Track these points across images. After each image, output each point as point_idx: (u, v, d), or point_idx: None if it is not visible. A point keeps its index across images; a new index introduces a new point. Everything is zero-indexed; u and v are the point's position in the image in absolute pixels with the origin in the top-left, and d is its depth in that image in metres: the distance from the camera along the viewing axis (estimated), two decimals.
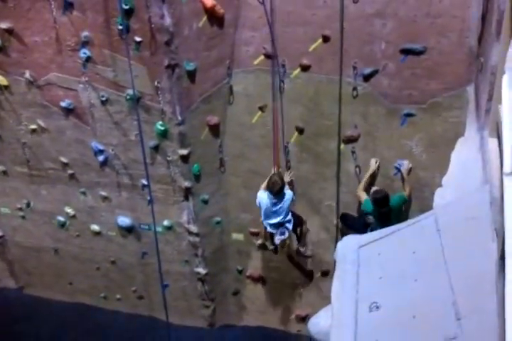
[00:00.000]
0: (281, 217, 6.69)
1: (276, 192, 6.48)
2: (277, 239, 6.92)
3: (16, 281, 9.75)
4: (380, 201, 6.15)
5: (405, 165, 6.38)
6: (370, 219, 6.38)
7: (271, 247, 7.29)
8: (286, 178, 6.94)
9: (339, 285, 4.03)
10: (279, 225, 6.78)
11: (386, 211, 6.14)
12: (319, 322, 4.18)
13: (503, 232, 2.58)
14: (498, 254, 3.05)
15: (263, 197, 6.67)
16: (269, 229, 6.92)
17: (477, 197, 3.80)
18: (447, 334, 3.07)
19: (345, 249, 4.30)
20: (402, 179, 6.46)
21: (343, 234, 6.60)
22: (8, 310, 9.37)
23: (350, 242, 4.36)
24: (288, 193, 6.65)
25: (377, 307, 3.58)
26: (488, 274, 3.12)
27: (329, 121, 6.61)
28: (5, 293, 9.73)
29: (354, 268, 4.06)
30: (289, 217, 6.77)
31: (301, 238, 7.45)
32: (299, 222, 7.18)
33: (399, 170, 6.46)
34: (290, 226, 6.86)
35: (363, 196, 6.45)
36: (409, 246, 3.97)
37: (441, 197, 4.28)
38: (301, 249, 7.58)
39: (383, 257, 4.04)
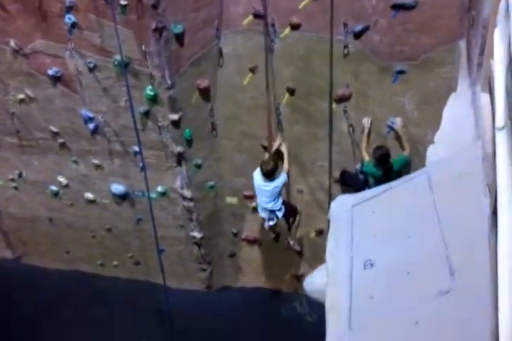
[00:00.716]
0: (272, 202, 6.69)
1: (266, 172, 6.48)
2: (266, 225, 7.04)
3: (13, 251, 9.81)
4: (382, 157, 6.10)
5: (398, 122, 6.32)
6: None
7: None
8: (276, 143, 6.94)
9: (333, 244, 4.07)
10: (270, 211, 6.83)
11: (388, 168, 6.09)
12: (314, 281, 4.24)
13: (495, 187, 2.58)
14: (490, 209, 3.07)
15: (256, 175, 6.71)
16: (260, 213, 6.96)
17: (469, 153, 3.81)
18: (441, 288, 3.12)
19: (338, 208, 4.33)
20: (399, 137, 6.38)
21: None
22: (6, 280, 9.42)
23: (343, 201, 4.39)
24: (281, 177, 6.64)
25: (372, 265, 3.63)
26: (481, 229, 3.15)
27: (320, 80, 6.51)
28: (2, 264, 9.77)
29: (348, 226, 4.10)
30: (280, 205, 6.80)
31: (291, 229, 7.55)
32: (292, 212, 7.23)
33: (392, 128, 6.42)
34: (280, 214, 6.90)
35: (366, 157, 6.42)
36: (403, 204, 4.01)
37: (433, 153, 4.28)
38: (291, 242, 7.68)
39: (377, 215, 4.08)
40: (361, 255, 3.77)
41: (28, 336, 8.58)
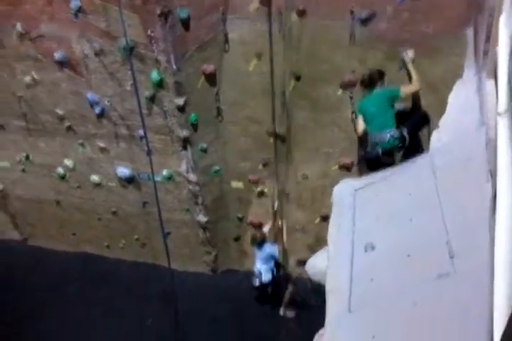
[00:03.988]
0: (263, 265, 7.64)
1: (255, 244, 7.61)
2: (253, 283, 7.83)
3: (20, 233, 9.94)
4: (370, 77, 6.04)
5: (410, 53, 6.01)
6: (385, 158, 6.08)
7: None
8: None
9: (335, 228, 4.12)
10: (259, 272, 7.71)
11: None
12: (316, 263, 4.30)
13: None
14: (491, 194, 3.11)
15: None
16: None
17: (473, 139, 3.84)
18: (440, 271, 3.18)
19: (341, 192, 4.38)
20: (408, 70, 6.09)
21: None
22: (14, 261, 9.57)
23: (346, 185, 4.44)
24: (270, 248, 7.56)
25: (373, 248, 3.69)
26: (482, 214, 3.20)
27: (326, 66, 6.52)
28: (9, 245, 9.91)
29: (350, 210, 4.15)
30: (268, 271, 7.68)
31: (285, 301, 8.08)
32: (283, 285, 7.92)
33: (404, 63, 6.12)
34: (264, 278, 7.70)
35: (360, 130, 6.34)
36: (405, 188, 4.05)
37: (437, 138, 4.30)
38: (281, 312, 8.16)
39: (379, 199, 4.12)
40: (362, 238, 3.82)
41: (34, 316, 8.69)
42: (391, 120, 5.91)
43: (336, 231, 4.11)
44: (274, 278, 7.79)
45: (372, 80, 6.10)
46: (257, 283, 7.77)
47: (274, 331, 7.94)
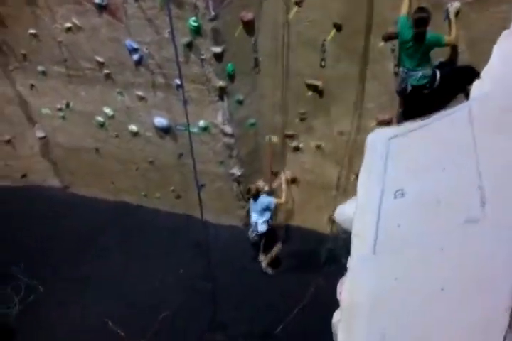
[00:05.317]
0: (259, 217, 7.74)
1: (250, 197, 7.81)
2: (250, 236, 8.00)
3: (61, 181, 10.21)
4: (420, 20, 5.65)
5: (455, 4, 5.77)
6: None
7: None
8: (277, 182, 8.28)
9: (366, 175, 4.05)
10: (255, 224, 7.80)
11: (420, 35, 5.70)
12: (345, 211, 4.25)
13: None
14: None
15: None
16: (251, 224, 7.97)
17: None
18: (470, 217, 3.09)
19: (375, 140, 4.27)
20: (449, 22, 5.85)
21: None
22: (54, 207, 9.89)
23: (381, 134, 4.32)
24: (265, 199, 7.66)
25: (403, 194, 3.61)
26: None
27: (368, 17, 6.30)
28: (51, 193, 10.22)
29: (382, 158, 4.06)
30: (265, 221, 7.78)
31: (267, 254, 8.26)
32: (273, 237, 8.14)
33: (447, 13, 5.87)
34: (262, 229, 7.80)
35: (404, 10, 5.93)
36: (440, 137, 3.92)
37: (478, 88, 4.11)
38: (263, 265, 8.31)
39: (412, 148, 4.01)
40: (393, 185, 3.74)
41: (72, 262, 8.97)
42: (427, 61, 5.91)
43: (366, 178, 4.03)
44: (270, 230, 7.95)
45: (421, 21, 5.69)
46: (253, 234, 7.91)
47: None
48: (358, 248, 3.47)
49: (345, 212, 4.21)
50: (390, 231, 3.43)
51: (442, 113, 4.12)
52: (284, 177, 8.17)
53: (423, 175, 3.71)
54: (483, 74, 4.47)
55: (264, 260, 8.31)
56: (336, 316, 3.72)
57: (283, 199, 7.95)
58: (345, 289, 3.38)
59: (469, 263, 2.96)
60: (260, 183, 8.14)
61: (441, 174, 3.59)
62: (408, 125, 4.28)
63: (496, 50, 4.73)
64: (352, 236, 3.62)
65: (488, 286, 2.82)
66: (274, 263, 8.35)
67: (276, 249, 8.28)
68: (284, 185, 8.08)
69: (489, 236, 2.97)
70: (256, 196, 7.67)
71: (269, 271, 8.36)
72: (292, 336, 7.53)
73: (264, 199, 7.69)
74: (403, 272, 3.17)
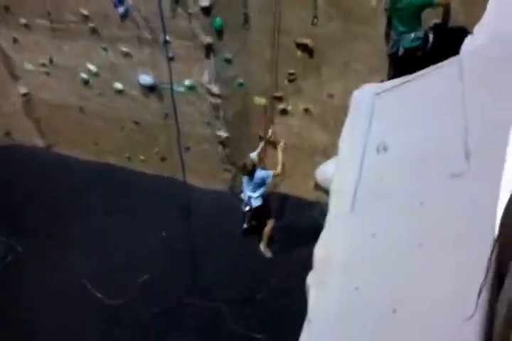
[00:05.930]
0: (252, 191, 7.26)
1: (245, 174, 7.30)
2: (243, 209, 7.48)
3: (44, 140, 10.00)
4: None
5: None
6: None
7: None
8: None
9: (349, 131, 3.89)
10: (248, 198, 7.33)
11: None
12: (326, 169, 4.10)
13: None
14: None
15: None
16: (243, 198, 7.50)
17: (508, 40, 3.48)
18: (454, 171, 2.95)
19: (360, 96, 4.10)
20: None
21: None
22: (36, 167, 9.71)
23: (366, 90, 4.14)
24: (263, 172, 7.17)
25: (385, 149, 3.46)
26: (506, 120, 2.94)
27: None
28: (33, 151, 10.05)
29: (367, 114, 3.89)
30: (259, 196, 7.28)
31: (262, 236, 7.73)
32: (266, 213, 7.57)
33: None
34: (256, 203, 7.32)
35: None
36: (428, 92, 3.76)
37: (470, 43, 3.93)
38: (261, 248, 7.78)
39: (399, 103, 3.85)
40: (376, 140, 3.59)
41: (56, 221, 8.84)
42: (419, 23, 5.80)
43: (348, 133, 3.88)
44: (266, 203, 7.51)
45: None
46: (246, 209, 7.43)
47: None
48: (336, 205, 3.33)
49: (326, 171, 4.06)
50: (370, 188, 3.29)
51: (431, 67, 3.94)
52: (280, 147, 7.63)
53: (408, 129, 3.55)
54: (475, 30, 4.28)
55: (261, 245, 7.83)
56: (310, 277, 3.60)
57: (278, 170, 7.39)
58: (320, 245, 3.26)
59: (449, 218, 2.83)
60: (253, 155, 7.59)
61: (426, 127, 3.43)
62: (396, 80, 4.11)
63: (490, 5, 4.53)
64: (330, 193, 3.47)
65: (467, 242, 2.70)
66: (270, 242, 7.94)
67: (269, 227, 7.75)
68: (280, 156, 7.55)
69: (471, 190, 2.83)
70: (252, 171, 7.21)
71: (269, 253, 7.85)
72: (274, 302, 7.43)
73: (261, 173, 7.22)
74: (381, 228, 3.04)
